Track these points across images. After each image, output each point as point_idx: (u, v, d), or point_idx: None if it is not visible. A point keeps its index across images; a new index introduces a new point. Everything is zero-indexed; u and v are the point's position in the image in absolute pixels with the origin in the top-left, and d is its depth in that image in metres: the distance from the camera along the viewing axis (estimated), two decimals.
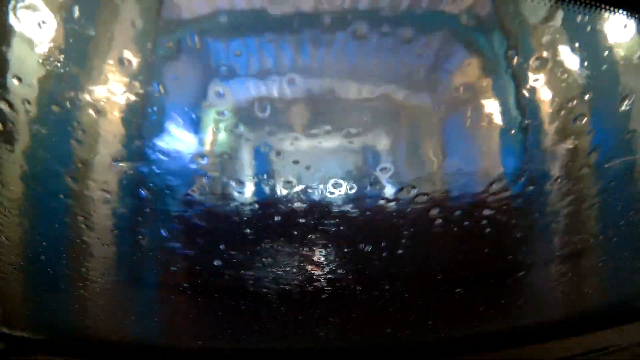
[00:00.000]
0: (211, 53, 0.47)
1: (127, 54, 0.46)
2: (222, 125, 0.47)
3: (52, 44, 0.46)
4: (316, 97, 0.47)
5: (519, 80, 0.49)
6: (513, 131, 0.50)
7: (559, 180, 0.51)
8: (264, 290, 0.50)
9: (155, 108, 0.47)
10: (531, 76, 0.49)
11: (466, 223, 0.50)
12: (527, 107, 0.49)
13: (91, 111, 0.47)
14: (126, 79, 0.47)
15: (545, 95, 0.49)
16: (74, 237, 0.50)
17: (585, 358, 0.53)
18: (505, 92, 0.49)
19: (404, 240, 0.50)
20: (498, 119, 0.50)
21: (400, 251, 0.50)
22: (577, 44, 0.49)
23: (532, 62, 0.48)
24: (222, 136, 0.47)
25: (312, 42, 0.46)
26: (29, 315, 0.56)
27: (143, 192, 0.48)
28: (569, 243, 0.54)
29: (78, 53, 0.47)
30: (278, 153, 0.47)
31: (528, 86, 0.49)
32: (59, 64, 0.46)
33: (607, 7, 0.47)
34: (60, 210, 0.50)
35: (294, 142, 0.47)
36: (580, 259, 0.56)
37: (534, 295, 0.56)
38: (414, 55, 0.48)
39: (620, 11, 0.48)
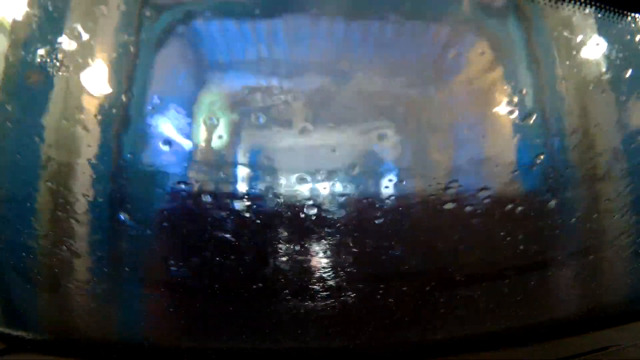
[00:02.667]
0: (202, 40, 0.46)
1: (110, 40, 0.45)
2: (216, 120, 0.46)
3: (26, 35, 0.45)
4: (316, 91, 0.46)
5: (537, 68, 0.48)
6: (532, 123, 0.49)
7: (570, 178, 0.51)
8: (263, 290, 0.50)
9: (142, 101, 0.46)
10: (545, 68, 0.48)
11: (468, 222, 0.50)
12: (546, 98, 0.48)
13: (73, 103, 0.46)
14: (110, 69, 0.45)
15: (564, 85, 0.49)
16: (69, 235, 0.49)
17: (585, 358, 0.53)
18: (524, 81, 0.48)
19: (410, 239, 0.50)
20: (515, 110, 0.49)
21: (402, 251, 0.50)
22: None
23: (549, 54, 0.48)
24: (215, 131, 0.46)
25: (313, 30, 0.45)
26: (29, 315, 0.56)
27: (137, 189, 0.48)
28: (571, 243, 0.54)
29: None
30: (278, 149, 0.47)
31: (544, 77, 0.48)
32: (36, 53, 0.45)
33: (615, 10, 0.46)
34: (53, 208, 0.49)
35: (293, 139, 0.47)
36: (581, 259, 0.56)
37: (534, 296, 0.56)
38: (425, 46, 0.47)
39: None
